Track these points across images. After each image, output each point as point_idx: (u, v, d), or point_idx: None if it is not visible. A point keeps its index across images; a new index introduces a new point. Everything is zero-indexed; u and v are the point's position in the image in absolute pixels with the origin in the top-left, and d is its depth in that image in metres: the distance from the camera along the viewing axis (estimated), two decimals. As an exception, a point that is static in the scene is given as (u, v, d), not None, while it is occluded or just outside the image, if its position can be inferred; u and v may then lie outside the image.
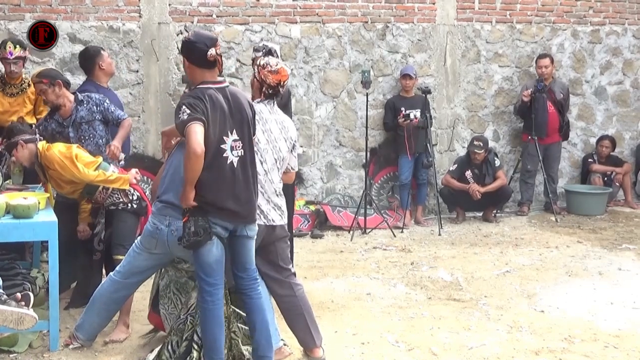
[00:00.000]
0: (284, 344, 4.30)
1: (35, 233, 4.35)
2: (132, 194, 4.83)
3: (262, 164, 4.02)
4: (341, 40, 8.11)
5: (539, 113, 8.24)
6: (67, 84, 5.19)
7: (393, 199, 8.29)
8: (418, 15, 8.34)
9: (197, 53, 3.70)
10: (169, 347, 4.02)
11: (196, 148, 3.51)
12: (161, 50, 7.57)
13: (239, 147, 3.73)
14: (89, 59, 5.98)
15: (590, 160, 8.91)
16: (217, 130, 3.64)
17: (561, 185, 8.90)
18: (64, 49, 7.27)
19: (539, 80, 8.29)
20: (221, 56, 3.78)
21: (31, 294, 3.95)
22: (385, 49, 8.25)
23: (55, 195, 5.00)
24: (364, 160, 7.98)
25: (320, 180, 8.19)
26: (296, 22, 7.96)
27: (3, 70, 6.04)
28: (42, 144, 4.75)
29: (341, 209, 8.03)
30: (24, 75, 6.08)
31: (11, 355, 4.26)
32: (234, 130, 3.72)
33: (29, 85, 5.98)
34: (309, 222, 7.71)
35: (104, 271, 4.99)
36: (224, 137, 3.68)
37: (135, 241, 4.16)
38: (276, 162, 4.11)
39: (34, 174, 5.00)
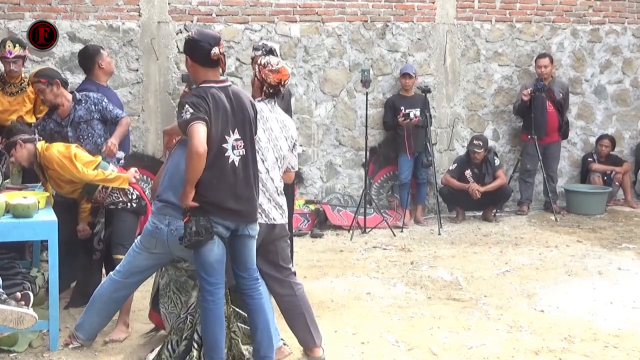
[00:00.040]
0: (284, 344, 4.30)
1: (35, 232, 4.35)
2: (132, 193, 4.83)
3: (263, 162, 4.02)
4: (341, 39, 8.10)
5: (538, 112, 8.24)
6: (65, 84, 5.19)
7: (393, 199, 8.28)
8: (418, 14, 8.33)
9: (201, 52, 3.69)
10: (169, 346, 4.02)
11: (199, 148, 3.51)
12: (161, 49, 7.56)
13: (240, 146, 3.73)
14: (88, 58, 5.98)
15: (590, 159, 8.91)
16: (219, 130, 3.64)
17: (561, 184, 8.90)
18: (63, 48, 7.26)
19: (539, 80, 8.29)
20: (224, 55, 3.77)
21: (31, 294, 3.95)
22: (385, 48, 8.25)
23: (54, 194, 4.99)
24: (364, 160, 7.98)
25: (320, 180, 8.19)
26: (296, 21, 7.96)
27: (2, 69, 6.03)
28: (41, 144, 4.74)
29: (341, 208, 8.03)
30: (23, 75, 6.06)
31: (11, 355, 4.26)
32: (236, 130, 3.72)
33: (28, 84, 5.96)
34: (308, 221, 7.71)
35: (103, 270, 4.99)
36: (226, 137, 3.68)
37: (135, 241, 4.16)
38: (277, 160, 4.10)
39: (34, 173, 4.99)
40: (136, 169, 5.06)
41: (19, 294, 3.86)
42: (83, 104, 5.14)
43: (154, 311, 4.42)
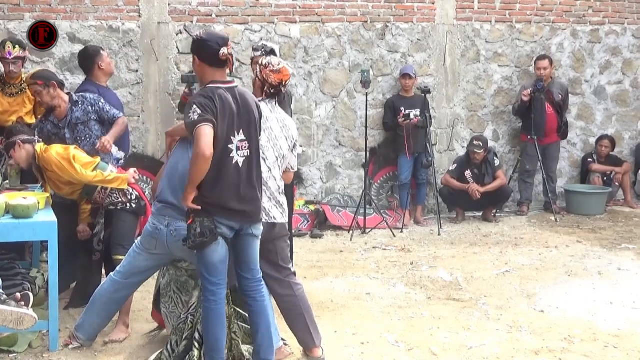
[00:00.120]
0: (284, 344, 4.30)
1: (35, 233, 4.35)
2: (131, 194, 4.83)
3: (265, 161, 4.02)
4: (341, 39, 8.11)
5: (537, 113, 8.24)
6: (61, 85, 5.18)
7: (393, 199, 8.28)
8: (417, 15, 8.34)
9: (209, 52, 3.68)
10: (169, 346, 4.03)
11: (205, 150, 3.50)
12: (161, 50, 7.57)
13: (245, 147, 3.73)
14: (88, 59, 5.98)
15: (589, 160, 8.91)
16: (225, 130, 3.64)
17: (561, 185, 8.90)
18: (63, 48, 7.26)
19: (538, 81, 8.29)
20: (232, 56, 3.76)
21: (31, 294, 3.96)
22: (384, 48, 8.25)
23: (53, 195, 4.99)
24: (364, 160, 7.98)
25: (320, 180, 8.19)
26: (296, 22, 7.96)
27: (2, 70, 6.04)
28: (39, 146, 4.74)
29: (341, 208, 8.03)
30: (23, 75, 6.06)
31: (11, 355, 4.26)
32: (241, 131, 3.72)
33: (28, 85, 5.97)
34: (308, 222, 7.71)
35: (103, 271, 4.99)
36: (231, 137, 3.68)
37: (136, 241, 4.16)
38: (277, 160, 4.11)
39: (33, 174, 4.98)
40: (135, 169, 5.06)
41: (18, 295, 3.87)
42: (80, 106, 5.14)
43: (156, 310, 4.42)
